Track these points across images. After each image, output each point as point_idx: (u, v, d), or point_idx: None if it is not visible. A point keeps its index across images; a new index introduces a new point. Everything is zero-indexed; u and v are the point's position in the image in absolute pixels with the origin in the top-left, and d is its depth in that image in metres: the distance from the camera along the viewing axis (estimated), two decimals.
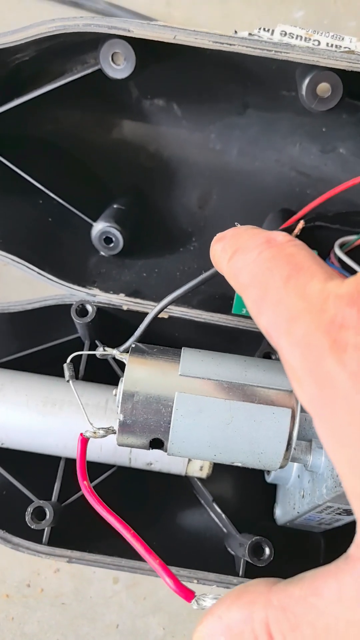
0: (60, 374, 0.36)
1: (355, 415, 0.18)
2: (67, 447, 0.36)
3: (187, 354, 0.30)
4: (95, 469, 0.37)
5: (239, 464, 0.30)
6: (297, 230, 0.35)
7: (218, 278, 0.40)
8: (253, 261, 0.23)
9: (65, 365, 0.33)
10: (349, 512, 0.31)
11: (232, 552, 0.39)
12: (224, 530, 0.40)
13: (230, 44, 0.30)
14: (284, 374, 0.30)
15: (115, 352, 0.32)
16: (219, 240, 0.27)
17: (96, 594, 0.44)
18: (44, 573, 0.44)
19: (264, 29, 0.33)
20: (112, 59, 0.36)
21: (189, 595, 0.25)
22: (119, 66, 0.36)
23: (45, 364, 0.39)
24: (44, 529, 0.35)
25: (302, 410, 0.29)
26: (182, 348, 0.31)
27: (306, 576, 0.21)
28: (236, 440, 0.29)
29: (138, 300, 0.40)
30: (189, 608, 0.45)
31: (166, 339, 0.39)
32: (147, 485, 0.41)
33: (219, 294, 0.42)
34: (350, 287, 0.19)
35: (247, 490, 0.43)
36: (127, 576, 0.44)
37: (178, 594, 0.25)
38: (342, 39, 0.33)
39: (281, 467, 0.30)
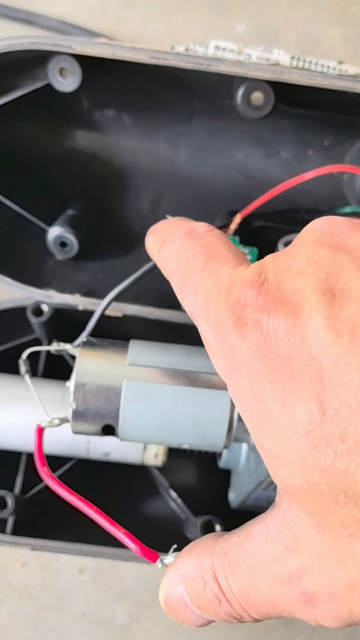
0: (19, 374, 0.38)
1: (253, 378, 0.20)
2: (27, 442, 0.38)
3: (134, 345, 0.32)
4: (55, 462, 0.39)
5: (187, 446, 0.32)
6: (234, 225, 0.37)
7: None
8: (176, 251, 0.26)
9: (20, 361, 0.34)
10: None
11: (190, 536, 0.41)
12: (182, 515, 0.42)
13: (165, 59, 0.33)
14: None
15: (68, 347, 0.34)
16: (151, 233, 0.29)
17: (63, 585, 0.45)
18: (11, 567, 0.45)
19: (199, 45, 0.36)
20: (60, 74, 0.38)
21: (153, 557, 0.27)
22: (66, 80, 0.38)
23: (4, 365, 0.41)
24: (7, 519, 0.37)
25: None
26: (130, 340, 0.33)
27: (244, 526, 0.24)
28: (182, 423, 0.31)
29: (93, 299, 0.42)
30: (153, 595, 0.47)
31: (121, 337, 0.40)
32: (107, 477, 0.43)
33: (171, 292, 0.43)
34: (251, 271, 0.22)
35: (203, 478, 0.45)
36: (93, 566, 0.46)
37: (143, 557, 0.27)
38: (272, 52, 0.36)
39: (225, 447, 0.32)
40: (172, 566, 0.26)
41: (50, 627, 0.44)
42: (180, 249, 0.26)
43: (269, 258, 0.23)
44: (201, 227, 0.26)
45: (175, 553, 0.27)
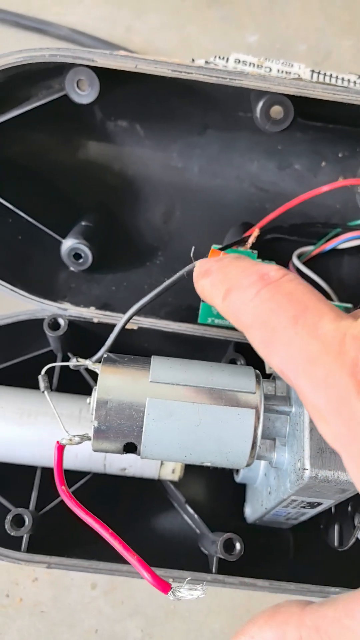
0: (34, 386, 0.38)
1: None
2: (43, 457, 0.37)
3: (156, 361, 0.32)
4: (71, 476, 0.39)
5: (209, 464, 0.32)
6: (252, 239, 0.37)
7: (183, 289, 0.42)
8: (251, 301, 0.23)
9: (40, 377, 0.34)
10: (312, 505, 0.33)
11: (205, 552, 0.40)
12: (197, 531, 0.41)
13: (188, 72, 0.33)
14: (247, 377, 0.32)
15: (88, 363, 0.34)
16: (205, 275, 0.27)
17: (75, 601, 0.45)
18: (22, 583, 0.45)
19: (220, 57, 0.36)
20: (77, 86, 0.38)
21: (166, 587, 0.26)
22: (83, 92, 0.38)
23: (19, 377, 0.40)
24: (22, 537, 0.36)
25: (265, 410, 0.31)
26: (152, 356, 0.32)
27: (340, 598, 0.22)
28: (205, 441, 0.31)
29: (108, 312, 0.41)
30: (166, 610, 0.46)
31: (136, 349, 0.40)
32: (122, 490, 0.43)
33: (186, 305, 0.44)
34: None
35: (218, 492, 0.45)
36: (105, 582, 0.46)
37: (156, 587, 0.26)
38: (292, 65, 0.36)
39: (248, 465, 0.32)
40: (244, 634, 0.23)
41: None
42: (256, 299, 0.23)
43: None
44: (274, 271, 0.23)
45: (189, 585, 0.27)
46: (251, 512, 0.40)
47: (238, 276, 0.24)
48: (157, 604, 0.45)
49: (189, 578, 0.27)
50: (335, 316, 0.21)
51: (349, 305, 0.40)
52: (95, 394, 0.31)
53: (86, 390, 0.38)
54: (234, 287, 0.24)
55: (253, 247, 0.41)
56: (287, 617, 0.22)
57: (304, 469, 0.28)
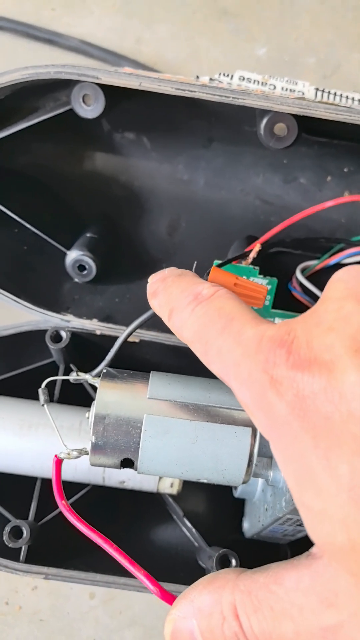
0: (36, 397, 0.38)
1: (295, 435, 0.20)
2: (42, 468, 0.38)
3: (155, 378, 0.32)
4: (70, 488, 0.39)
5: (205, 480, 0.32)
6: (253, 254, 0.37)
7: None
8: (189, 318, 0.26)
9: (40, 390, 0.34)
10: None
11: (203, 565, 0.40)
12: (195, 544, 0.42)
13: (192, 91, 0.33)
14: None
15: (87, 377, 0.34)
16: (153, 297, 0.29)
17: (73, 610, 0.45)
18: (21, 591, 0.45)
19: (224, 74, 0.36)
20: (83, 100, 0.38)
21: (171, 599, 0.27)
22: (89, 107, 0.38)
23: (21, 388, 0.41)
24: (21, 547, 0.36)
25: None
26: (151, 372, 0.33)
27: (271, 567, 0.24)
28: (201, 458, 0.31)
29: (110, 325, 0.42)
30: (164, 620, 0.46)
31: (137, 361, 0.41)
32: (120, 502, 0.43)
33: None
34: (281, 330, 0.22)
35: (216, 506, 0.45)
36: (103, 592, 0.46)
37: (163, 600, 0.27)
38: (296, 83, 0.36)
39: (244, 483, 0.32)
40: (185, 598, 0.25)
41: None
42: (192, 316, 0.26)
43: (297, 318, 0.23)
44: (207, 289, 0.26)
45: None
46: (249, 527, 0.40)
47: (178, 297, 0.27)
48: (155, 614, 0.45)
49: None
50: (256, 322, 0.23)
51: None
52: (93, 409, 0.31)
53: (88, 402, 0.39)
54: (175, 307, 0.27)
55: (256, 261, 0.42)
56: (224, 583, 0.24)
57: None
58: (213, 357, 0.24)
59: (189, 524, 0.40)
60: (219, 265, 0.37)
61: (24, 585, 0.45)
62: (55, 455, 0.32)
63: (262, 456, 0.32)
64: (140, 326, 0.33)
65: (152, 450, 0.30)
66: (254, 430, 0.31)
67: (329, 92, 0.36)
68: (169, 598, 0.26)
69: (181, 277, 0.29)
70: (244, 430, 0.31)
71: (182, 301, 0.26)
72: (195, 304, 0.26)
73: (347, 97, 0.36)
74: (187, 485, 0.42)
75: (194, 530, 0.40)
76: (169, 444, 0.30)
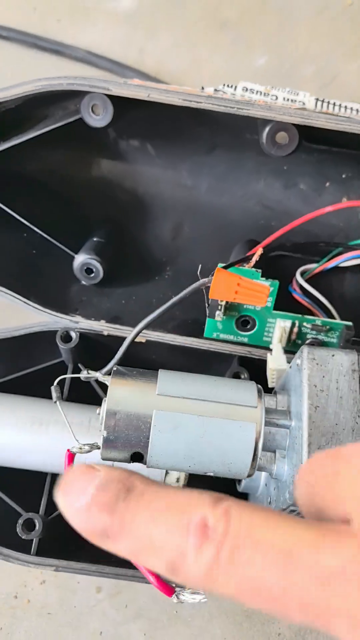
0: (46, 396, 0.39)
1: None
2: (53, 464, 0.39)
3: (163, 375, 0.34)
4: None
5: (212, 474, 0.33)
6: (256, 257, 0.39)
7: (190, 305, 0.44)
8: (217, 570, 0.17)
9: (52, 388, 0.36)
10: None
11: None
12: None
13: (198, 102, 0.35)
14: (249, 392, 0.33)
15: (98, 375, 0.35)
16: (103, 539, 0.20)
17: (80, 604, 0.46)
18: (30, 585, 0.46)
19: (228, 85, 0.38)
20: (92, 110, 0.40)
21: (170, 591, 0.28)
22: (98, 116, 0.40)
23: (32, 386, 0.42)
24: (32, 540, 0.38)
25: (266, 423, 0.33)
26: (159, 370, 0.34)
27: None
28: (208, 452, 0.32)
29: (118, 325, 0.43)
30: (169, 615, 0.48)
31: (144, 361, 0.42)
32: None
33: (192, 319, 0.45)
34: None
35: None
36: (110, 586, 0.47)
37: (160, 590, 0.28)
38: (297, 94, 0.37)
39: (249, 476, 0.33)
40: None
41: None
42: (220, 566, 0.17)
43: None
44: (213, 518, 0.18)
45: (192, 590, 0.28)
46: None
47: (168, 539, 0.18)
48: (160, 608, 0.47)
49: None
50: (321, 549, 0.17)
51: (349, 323, 0.42)
52: (104, 405, 0.32)
53: (95, 401, 0.40)
54: (174, 559, 0.18)
55: (257, 265, 0.43)
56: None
57: None
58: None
59: None
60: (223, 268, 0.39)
61: (32, 579, 0.46)
62: (68, 450, 0.33)
63: (266, 450, 0.34)
64: (147, 325, 0.35)
65: (162, 444, 0.32)
66: (258, 426, 0.32)
67: (328, 102, 0.37)
68: (166, 588, 0.28)
69: (130, 496, 0.19)
70: (249, 425, 0.32)
71: (181, 545, 0.17)
72: (214, 549, 0.17)
73: (346, 107, 0.37)
74: (191, 480, 0.44)
75: None
76: (177, 439, 0.32)
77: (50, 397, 0.37)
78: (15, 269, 0.45)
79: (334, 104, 0.37)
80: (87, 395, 0.43)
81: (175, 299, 0.35)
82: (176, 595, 0.28)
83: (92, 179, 0.49)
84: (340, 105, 0.37)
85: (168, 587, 0.28)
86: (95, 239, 0.46)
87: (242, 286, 0.35)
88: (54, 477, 0.41)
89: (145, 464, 0.33)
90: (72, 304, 0.44)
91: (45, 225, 0.45)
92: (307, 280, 0.47)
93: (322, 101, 0.37)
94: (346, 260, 0.48)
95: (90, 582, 0.47)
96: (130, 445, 0.32)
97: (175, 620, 0.47)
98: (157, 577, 0.28)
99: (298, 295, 0.46)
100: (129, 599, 0.47)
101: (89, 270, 0.44)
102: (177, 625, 0.47)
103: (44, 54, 0.55)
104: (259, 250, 0.42)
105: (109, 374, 0.34)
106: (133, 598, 0.47)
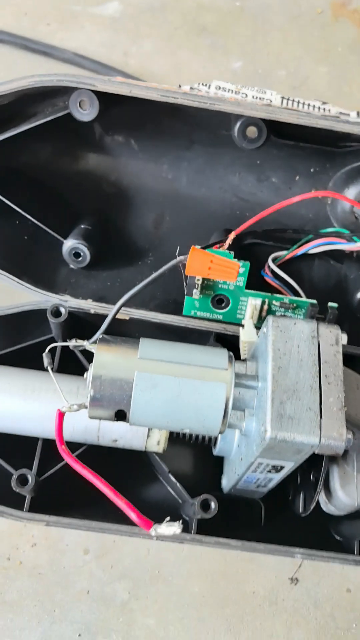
0: (37, 368, 0.43)
1: None
2: (45, 429, 0.43)
3: (144, 342, 0.38)
4: (68, 448, 0.44)
5: (188, 430, 0.37)
6: (229, 241, 0.43)
7: (169, 285, 0.48)
8: None
9: (44, 354, 0.39)
10: (276, 469, 0.39)
11: (186, 517, 0.45)
12: (179, 500, 0.47)
13: (175, 97, 0.38)
14: (221, 357, 0.37)
15: (86, 344, 0.39)
16: None
17: (69, 564, 0.50)
18: (22, 547, 0.50)
19: (202, 84, 0.42)
20: (80, 105, 0.43)
21: (148, 524, 0.32)
22: (85, 111, 0.43)
23: (24, 360, 0.45)
24: (25, 497, 0.41)
25: (236, 385, 0.37)
26: (140, 338, 0.38)
27: None
28: (184, 410, 0.36)
29: (103, 304, 0.47)
30: (151, 574, 0.51)
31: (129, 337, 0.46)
32: (112, 463, 0.48)
33: (172, 299, 0.49)
34: None
35: (198, 466, 0.50)
36: (97, 547, 0.51)
37: (139, 524, 0.31)
38: (265, 92, 0.41)
39: (221, 432, 0.37)
40: None
41: (57, 604, 0.49)
42: None
43: None
44: None
45: (168, 523, 0.32)
46: (227, 482, 0.46)
47: None
48: (143, 568, 0.50)
49: (168, 517, 0.32)
50: None
51: (314, 301, 0.46)
52: (91, 369, 0.36)
53: (82, 373, 0.44)
54: None
55: (231, 249, 0.47)
56: None
57: (266, 431, 0.34)
58: None
59: (173, 479, 0.45)
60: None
61: (24, 542, 0.50)
62: (59, 409, 0.37)
63: (236, 409, 0.38)
64: (131, 298, 0.39)
65: (142, 402, 0.36)
66: (228, 386, 0.36)
67: (293, 100, 0.41)
68: (145, 522, 0.31)
69: None
70: (220, 385, 0.36)
71: None
72: None
73: (308, 105, 0.42)
74: (172, 448, 0.47)
75: (178, 485, 0.45)
76: (156, 397, 0.36)
77: (41, 369, 0.40)
78: (8, 253, 0.48)
79: (298, 102, 0.41)
80: (76, 369, 0.46)
81: (155, 274, 0.39)
82: (154, 528, 0.31)
83: (80, 172, 0.53)
84: (303, 103, 0.41)
85: (147, 521, 0.32)
86: (82, 226, 0.50)
87: (214, 263, 0.39)
88: (45, 442, 0.44)
89: (128, 421, 0.37)
90: (61, 285, 0.48)
91: (37, 213, 0.48)
92: (278, 266, 0.51)
93: (287, 99, 0.41)
94: (314, 247, 0.52)
95: (78, 544, 0.50)
96: (114, 404, 0.36)
97: (156, 579, 0.50)
98: (138, 512, 0.32)
99: (269, 279, 0.50)
100: (115, 560, 0.50)
101: (77, 255, 0.48)
102: (159, 584, 0.50)
103: (33, 55, 0.59)
104: (232, 235, 0.46)
105: (96, 343, 0.38)
106: (118, 559, 0.50)
